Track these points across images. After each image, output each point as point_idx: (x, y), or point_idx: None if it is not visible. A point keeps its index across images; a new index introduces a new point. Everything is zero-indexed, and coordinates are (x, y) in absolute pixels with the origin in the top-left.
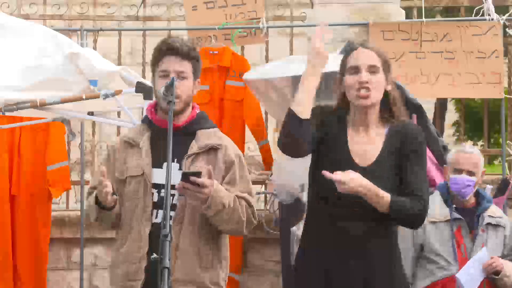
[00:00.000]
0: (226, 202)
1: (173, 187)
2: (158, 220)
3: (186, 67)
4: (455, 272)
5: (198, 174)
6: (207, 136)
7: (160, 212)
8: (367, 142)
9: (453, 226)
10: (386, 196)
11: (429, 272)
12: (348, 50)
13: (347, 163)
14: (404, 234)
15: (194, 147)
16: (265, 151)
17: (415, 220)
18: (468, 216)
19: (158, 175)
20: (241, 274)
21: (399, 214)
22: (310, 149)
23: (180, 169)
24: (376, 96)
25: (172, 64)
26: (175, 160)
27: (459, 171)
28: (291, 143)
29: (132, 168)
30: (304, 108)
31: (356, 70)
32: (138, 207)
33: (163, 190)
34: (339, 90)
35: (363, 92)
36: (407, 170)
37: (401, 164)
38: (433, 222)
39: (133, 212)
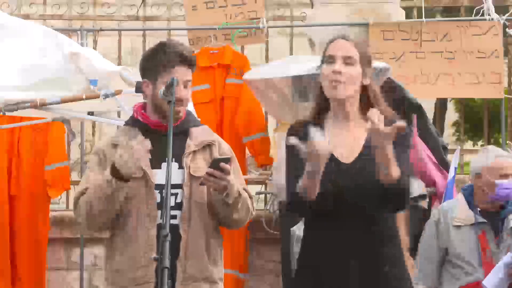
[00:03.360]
0: (240, 189)
1: (175, 186)
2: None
3: (191, 76)
4: (480, 277)
5: (227, 160)
6: (200, 134)
7: None
8: (349, 137)
9: (478, 230)
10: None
11: (454, 277)
12: (328, 42)
13: (331, 161)
14: (428, 239)
15: (191, 145)
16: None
17: (405, 201)
18: (492, 220)
19: (158, 176)
20: (247, 273)
21: (402, 187)
22: None
23: (180, 167)
24: (349, 88)
25: (182, 74)
26: (173, 159)
27: (505, 176)
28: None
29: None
30: (312, 191)
31: (331, 59)
32: (142, 209)
33: (164, 190)
34: (319, 83)
35: (334, 83)
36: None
37: None
38: (458, 226)
39: (136, 214)
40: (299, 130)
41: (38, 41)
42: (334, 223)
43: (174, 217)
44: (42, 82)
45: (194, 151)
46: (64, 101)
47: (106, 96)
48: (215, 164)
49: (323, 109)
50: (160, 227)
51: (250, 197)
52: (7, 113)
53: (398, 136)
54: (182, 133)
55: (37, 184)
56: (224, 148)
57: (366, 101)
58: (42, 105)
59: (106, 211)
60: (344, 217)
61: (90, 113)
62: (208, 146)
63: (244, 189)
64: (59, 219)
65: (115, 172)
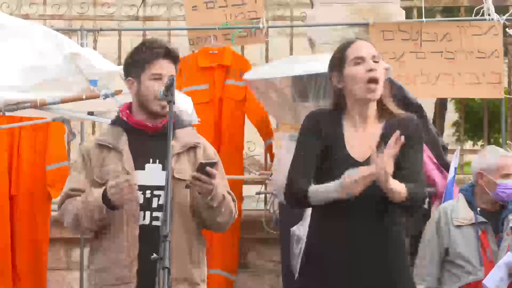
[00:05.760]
0: (224, 193)
1: (158, 188)
2: (146, 222)
3: (174, 71)
4: (481, 276)
5: (213, 164)
6: (185, 135)
7: (147, 213)
8: (365, 137)
9: (478, 230)
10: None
11: (455, 277)
12: (343, 46)
13: (346, 159)
14: (429, 238)
15: (176, 147)
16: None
17: (420, 206)
18: (493, 219)
19: (141, 177)
20: (236, 275)
21: (414, 202)
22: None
23: (164, 169)
24: (381, 87)
25: (166, 68)
26: (157, 161)
27: (507, 175)
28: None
29: (114, 171)
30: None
31: (361, 60)
32: (125, 210)
33: (148, 191)
34: (336, 87)
35: (373, 86)
36: (405, 155)
37: (400, 151)
38: (458, 226)
39: (119, 215)
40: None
41: (38, 41)
42: (343, 217)
43: (156, 218)
44: (42, 82)
45: (179, 153)
46: (64, 101)
47: (106, 96)
48: (201, 168)
49: (338, 110)
50: (143, 228)
51: (234, 200)
52: (7, 113)
53: (409, 138)
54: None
55: (37, 184)
56: (209, 150)
57: (380, 100)
58: (42, 105)
59: (93, 227)
60: (354, 212)
61: (90, 113)
62: (192, 148)
63: (228, 192)
64: (59, 219)
65: (107, 201)
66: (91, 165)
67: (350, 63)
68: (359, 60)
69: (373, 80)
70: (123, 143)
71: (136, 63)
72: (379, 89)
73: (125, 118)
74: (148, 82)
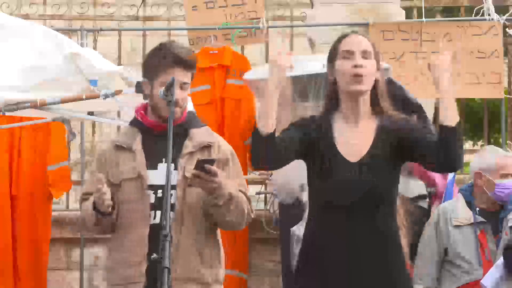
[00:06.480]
0: (232, 192)
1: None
2: (157, 221)
3: (189, 78)
4: (479, 276)
5: (212, 161)
6: (200, 135)
7: (158, 213)
8: (357, 136)
9: (477, 230)
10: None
11: (454, 277)
12: (338, 38)
13: (338, 161)
14: (428, 238)
15: (189, 146)
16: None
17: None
18: (493, 219)
19: (154, 177)
20: (248, 274)
21: (457, 137)
22: (286, 161)
23: (176, 169)
24: (369, 81)
25: (179, 76)
26: None
27: (506, 175)
28: (257, 158)
29: (126, 171)
30: (266, 122)
31: (349, 54)
32: (136, 210)
33: (159, 191)
34: (330, 79)
35: (356, 77)
36: (418, 136)
37: (406, 141)
38: (457, 226)
39: (130, 214)
40: (304, 124)
41: (38, 41)
42: (342, 217)
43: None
44: (42, 82)
45: (192, 152)
46: (64, 101)
47: (106, 96)
48: (199, 165)
49: (332, 107)
50: (154, 227)
51: (248, 199)
52: (7, 113)
53: (407, 127)
54: (182, 134)
55: (38, 184)
56: (224, 149)
57: (374, 97)
58: (42, 105)
59: (97, 229)
60: (353, 212)
61: (90, 113)
62: (206, 147)
63: (242, 192)
64: (59, 219)
65: (95, 206)
66: (106, 167)
67: (340, 56)
68: (348, 55)
69: (357, 76)
70: (137, 143)
71: (150, 68)
72: (366, 83)
73: (140, 119)
74: (159, 88)
